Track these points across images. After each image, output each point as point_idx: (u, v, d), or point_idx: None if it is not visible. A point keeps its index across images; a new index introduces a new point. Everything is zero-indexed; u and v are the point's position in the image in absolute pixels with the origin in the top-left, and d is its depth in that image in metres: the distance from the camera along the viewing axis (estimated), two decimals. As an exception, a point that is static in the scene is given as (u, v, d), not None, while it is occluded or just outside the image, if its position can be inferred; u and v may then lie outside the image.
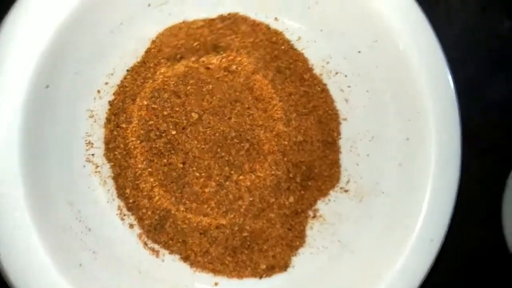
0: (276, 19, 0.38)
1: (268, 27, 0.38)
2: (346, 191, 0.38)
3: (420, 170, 0.35)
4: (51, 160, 0.32)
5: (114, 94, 0.36)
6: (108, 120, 0.36)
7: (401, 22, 0.34)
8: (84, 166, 0.35)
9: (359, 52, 0.37)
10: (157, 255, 0.36)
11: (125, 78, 0.36)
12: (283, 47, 0.38)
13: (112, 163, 0.36)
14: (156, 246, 0.36)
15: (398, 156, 0.36)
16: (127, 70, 0.36)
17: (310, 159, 0.37)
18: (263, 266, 0.36)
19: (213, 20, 0.38)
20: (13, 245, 0.29)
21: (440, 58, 0.35)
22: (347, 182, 0.38)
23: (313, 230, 0.37)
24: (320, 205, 0.38)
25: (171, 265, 0.35)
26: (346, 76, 0.38)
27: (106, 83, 0.36)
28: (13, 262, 0.29)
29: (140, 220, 0.36)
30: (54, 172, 0.32)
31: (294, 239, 0.37)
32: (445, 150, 0.35)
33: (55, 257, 0.29)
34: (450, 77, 0.35)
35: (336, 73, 0.38)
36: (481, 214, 0.42)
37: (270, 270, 0.36)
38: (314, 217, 0.38)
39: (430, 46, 0.34)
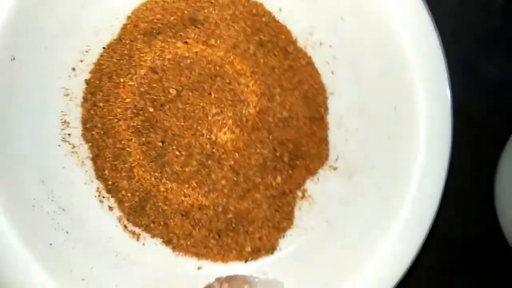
0: (256, -11, 0.39)
1: (248, -1, 0.39)
2: (335, 168, 0.38)
3: (409, 142, 0.35)
4: (21, 137, 0.33)
5: (90, 72, 0.37)
6: (85, 99, 0.37)
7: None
8: (59, 145, 0.36)
9: (342, 19, 0.37)
10: (138, 239, 0.36)
11: (101, 55, 0.37)
12: (264, 19, 0.39)
13: (90, 144, 0.36)
14: (136, 229, 0.36)
15: (387, 128, 0.36)
16: (103, 48, 0.37)
17: (297, 137, 0.38)
18: (249, 249, 0.37)
19: (190, -7, 0.38)
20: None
21: (427, 22, 0.35)
22: (336, 159, 0.38)
23: (301, 210, 0.38)
24: (309, 184, 0.38)
25: (152, 248, 0.36)
26: (330, 46, 0.38)
27: (81, 61, 0.37)
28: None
29: (120, 202, 0.36)
30: (25, 149, 0.33)
31: (282, 221, 0.37)
32: (434, 120, 0.34)
33: (22, 233, 0.30)
34: (439, 43, 0.35)
35: (321, 44, 0.38)
36: (473, 198, 0.41)
37: (256, 253, 0.37)
38: (302, 197, 0.38)
39: (417, 9, 0.35)
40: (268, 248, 0.37)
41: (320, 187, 0.38)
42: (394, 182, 0.35)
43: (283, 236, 0.37)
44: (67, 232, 0.33)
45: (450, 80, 0.35)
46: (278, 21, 0.39)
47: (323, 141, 0.39)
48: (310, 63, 0.39)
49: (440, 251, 0.41)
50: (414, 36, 0.35)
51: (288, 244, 0.37)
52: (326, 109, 0.39)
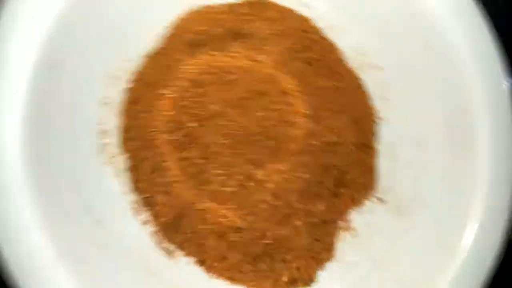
0: (306, 4, 0.39)
1: (297, 14, 0.39)
2: (383, 201, 0.37)
3: (469, 181, 0.34)
4: (59, 146, 0.33)
5: (131, 81, 0.37)
6: (124, 109, 0.37)
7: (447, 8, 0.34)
8: (97, 155, 0.36)
9: (398, 40, 0.37)
10: (171, 256, 0.36)
11: (143, 65, 0.38)
12: (313, 36, 0.38)
13: (127, 154, 0.36)
14: (170, 246, 0.36)
15: (443, 163, 0.36)
16: (146, 57, 0.38)
17: (342, 163, 0.37)
18: (285, 279, 0.36)
19: (238, 5, 0.38)
20: (14, 236, 0.31)
21: (493, 54, 0.35)
22: (385, 191, 0.37)
23: (344, 243, 0.37)
24: (353, 215, 0.37)
25: (185, 267, 0.35)
26: (383, 69, 0.38)
27: (123, 69, 0.37)
28: (15, 254, 0.31)
29: (155, 216, 0.36)
30: (62, 159, 0.33)
31: (321, 251, 0.36)
32: (497, 159, 0.34)
33: (57, 248, 0.30)
34: (504, 75, 0.34)
35: (373, 65, 0.38)
36: None
37: (292, 284, 0.36)
38: (346, 228, 0.37)
39: (481, 39, 0.34)
40: (305, 279, 0.36)
41: (366, 220, 0.37)
42: (450, 223, 0.35)
43: (322, 268, 0.36)
44: (101, 246, 0.33)
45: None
46: (327, 39, 0.39)
47: (371, 170, 0.38)
48: (360, 85, 0.39)
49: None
50: (478, 64, 0.34)
51: (327, 278, 0.36)
52: (376, 136, 0.38)
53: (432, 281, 0.34)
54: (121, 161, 0.37)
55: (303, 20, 0.39)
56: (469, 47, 0.34)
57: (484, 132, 0.35)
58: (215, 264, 0.36)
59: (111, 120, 0.37)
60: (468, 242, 0.34)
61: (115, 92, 0.37)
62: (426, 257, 0.35)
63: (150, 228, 0.36)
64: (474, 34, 0.34)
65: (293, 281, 0.36)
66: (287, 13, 0.39)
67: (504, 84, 0.34)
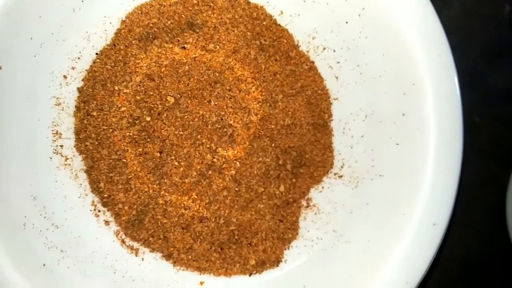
0: (256, -8, 0.36)
1: (247, 1, 0.36)
2: (341, 176, 0.35)
3: (419, 148, 0.32)
4: (10, 150, 0.30)
5: (82, 80, 0.34)
6: (78, 108, 0.34)
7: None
8: (51, 158, 0.32)
9: (346, 22, 0.35)
10: (136, 253, 0.33)
11: (94, 62, 0.34)
12: (265, 23, 0.36)
13: (83, 155, 0.33)
14: (135, 244, 0.33)
15: (395, 134, 0.33)
16: (96, 54, 0.34)
17: (300, 144, 0.35)
18: (253, 262, 0.34)
19: (187, -5, 0.35)
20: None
21: (435, 23, 0.32)
22: (341, 166, 0.35)
23: (306, 220, 0.35)
24: (313, 193, 0.35)
25: (152, 263, 0.33)
26: (334, 51, 0.36)
27: (73, 68, 0.34)
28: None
29: (116, 216, 0.33)
30: (15, 164, 0.30)
31: (286, 231, 0.35)
32: (445, 125, 0.32)
33: (13, 254, 0.27)
34: (447, 43, 0.32)
35: (324, 48, 0.36)
36: (484, 214, 0.39)
37: (261, 266, 0.34)
38: (307, 206, 0.35)
39: (424, 10, 0.32)
40: (273, 260, 0.34)
41: (326, 196, 0.35)
42: (403, 190, 0.33)
43: (289, 248, 0.34)
44: (61, 251, 0.30)
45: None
46: (279, 25, 0.36)
47: (328, 148, 0.36)
48: (313, 68, 0.36)
49: (449, 266, 0.38)
50: (422, 39, 0.32)
51: (294, 256, 0.34)
52: (330, 115, 0.36)
53: (389, 247, 0.32)
54: (77, 162, 0.33)
55: (254, 7, 0.36)
56: (417, 26, 0.32)
57: (432, 103, 0.32)
58: (182, 256, 0.33)
59: (65, 121, 0.33)
60: (420, 207, 0.32)
61: (67, 92, 0.33)
62: (384, 225, 0.33)
63: (113, 228, 0.32)
64: (421, 15, 0.32)
65: (261, 263, 0.34)
66: (237, 2, 0.36)
67: (446, 45, 0.32)
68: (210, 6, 0.35)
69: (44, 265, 0.29)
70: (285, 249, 0.34)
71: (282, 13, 0.36)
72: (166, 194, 0.33)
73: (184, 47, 0.34)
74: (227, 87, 0.34)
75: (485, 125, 0.39)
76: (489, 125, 0.39)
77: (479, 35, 0.40)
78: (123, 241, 0.33)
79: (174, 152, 0.33)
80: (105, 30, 0.34)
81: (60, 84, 0.33)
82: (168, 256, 0.33)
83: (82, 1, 0.32)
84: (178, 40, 0.34)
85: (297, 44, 0.36)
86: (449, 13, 0.40)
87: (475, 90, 0.39)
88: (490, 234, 0.38)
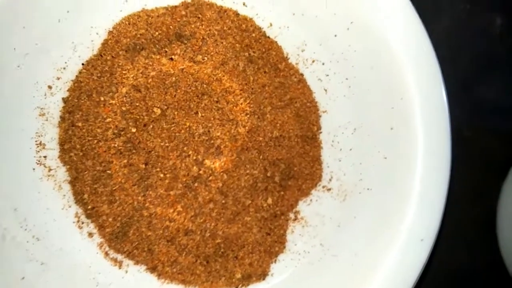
0: (244, 4, 0.35)
1: (236, 13, 0.35)
2: (329, 189, 0.35)
3: (407, 163, 0.31)
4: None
5: (68, 90, 0.33)
6: (62, 119, 0.33)
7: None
8: (34, 169, 0.32)
9: (335, 36, 0.34)
10: (120, 266, 0.32)
11: (80, 72, 0.33)
12: (254, 35, 0.35)
13: (68, 166, 0.33)
14: (119, 256, 0.32)
15: (383, 148, 0.33)
16: (82, 64, 0.33)
17: (288, 156, 0.34)
18: (239, 276, 0.33)
19: (175, 7, 0.34)
20: None
21: (423, 38, 0.31)
22: (330, 179, 0.35)
23: (294, 234, 0.34)
24: (301, 206, 0.34)
25: (136, 276, 0.32)
26: (323, 63, 0.35)
27: (58, 78, 0.33)
28: None
29: (100, 228, 0.32)
30: None
31: (274, 244, 0.34)
32: (433, 139, 0.31)
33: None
34: (435, 57, 0.31)
35: (313, 61, 0.35)
36: (473, 227, 0.38)
37: (247, 280, 0.33)
38: (295, 219, 0.34)
39: (412, 24, 0.31)
40: (259, 274, 0.33)
41: (314, 209, 0.34)
42: (391, 205, 0.32)
43: (275, 261, 0.34)
44: (42, 263, 0.29)
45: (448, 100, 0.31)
46: (268, 37, 0.36)
47: (316, 161, 0.35)
48: (302, 80, 0.35)
49: (438, 279, 0.37)
50: (411, 53, 0.31)
51: (280, 269, 0.33)
52: (319, 127, 0.35)
53: (377, 261, 0.31)
54: (61, 173, 0.32)
55: (243, 19, 0.36)
56: (404, 41, 0.31)
57: (420, 118, 0.31)
58: (167, 269, 0.32)
59: (49, 132, 0.32)
60: (408, 222, 0.31)
61: (52, 102, 0.32)
62: (371, 239, 0.32)
63: (96, 240, 0.31)
64: (408, 30, 0.31)
65: (247, 276, 0.33)
66: (225, 13, 0.35)
67: (435, 61, 0.31)
68: (199, 17, 0.35)
69: (23, 278, 0.28)
70: (272, 263, 0.33)
71: (271, 25, 0.36)
72: (151, 206, 0.32)
73: (171, 58, 0.34)
74: (215, 99, 0.34)
75: (475, 138, 0.39)
76: (478, 138, 0.39)
77: (469, 48, 0.40)
78: (106, 254, 0.32)
79: (159, 164, 0.32)
80: (92, 41, 0.34)
81: (45, 95, 0.33)
82: (152, 269, 0.33)
83: (68, 12, 0.32)
84: (166, 51, 0.34)
85: (286, 57, 0.36)
86: (439, 25, 0.40)
87: (465, 102, 0.39)
88: (480, 246, 0.38)
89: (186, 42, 0.34)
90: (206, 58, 0.34)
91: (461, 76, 0.39)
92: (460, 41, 0.40)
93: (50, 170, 0.32)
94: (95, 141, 0.32)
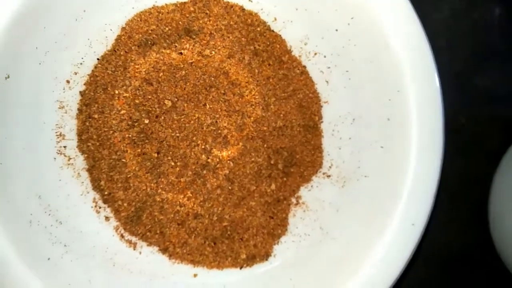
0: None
1: (242, 9, 0.36)
2: (329, 176, 0.36)
3: (401, 152, 0.32)
4: (17, 152, 0.31)
5: (84, 84, 0.35)
6: (80, 111, 0.35)
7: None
8: (55, 158, 0.34)
9: (336, 30, 0.35)
10: (134, 247, 0.34)
11: (95, 67, 0.35)
12: (259, 29, 0.37)
13: (85, 155, 0.35)
14: (133, 238, 0.34)
15: (380, 138, 0.34)
16: (97, 59, 0.35)
17: (291, 145, 0.36)
18: (244, 256, 0.35)
19: (184, 3, 0.36)
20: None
21: (419, 32, 0.32)
22: (330, 167, 0.36)
23: (295, 217, 0.36)
24: (303, 191, 0.36)
25: (149, 257, 0.34)
26: (325, 56, 0.36)
27: (76, 73, 0.35)
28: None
29: (116, 212, 0.35)
30: (21, 165, 0.31)
31: (276, 227, 0.36)
32: (426, 131, 0.32)
33: (20, 250, 0.28)
34: (430, 53, 0.32)
35: (315, 53, 0.37)
36: (465, 211, 0.39)
37: (251, 260, 0.35)
38: (296, 204, 0.36)
39: (409, 20, 0.32)
40: (262, 254, 0.35)
41: (314, 194, 0.36)
42: (386, 191, 0.33)
43: (278, 243, 0.35)
44: (65, 245, 0.32)
45: (442, 92, 0.32)
46: (273, 31, 0.37)
47: (317, 149, 0.36)
48: (304, 72, 0.37)
49: (430, 260, 0.39)
50: (406, 47, 0.32)
51: (283, 251, 0.35)
52: (320, 117, 0.37)
53: (372, 244, 0.33)
54: (79, 162, 0.34)
55: (249, 14, 0.37)
56: (402, 37, 0.33)
57: (415, 110, 0.33)
58: (177, 250, 0.34)
59: (68, 123, 0.34)
60: (401, 208, 0.32)
61: (70, 95, 0.34)
62: (367, 223, 0.34)
63: (112, 223, 0.34)
64: (406, 26, 0.33)
65: (251, 257, 0.35)
66: (232, 9, 0.37)
67: (429, 55, 0.33)
68: (206, 13, 0.36)
69: (49, 259, 0.30)
70: (275, 244, 0.35)
71: (275, 19, 0.37)
72: (163, 192, 0.34)
73: (181, 53, 0.35)
74: (222, 91, 0.35)
75: (470, 126, 0.40)
76: (474, 126, 0.40)
77: (468, 38, 0.41)
78: (122, 236, 0.34)
79: (170, 153, 0.34)
80: (106, 37, 0.35)
81: (64, 89, 0.34)
82: (164, 250, 0.35)
83: (84, 11, 0.33)
84: (176, 46, 0.35)
85: (290, 49, 0.37)
86: (438, 15, 0.41)
87: (462, 92, 0.40)
88: (472, 231, 0.39)
89: (194, 37, 0.36)
90: (213, 52, 0.36)
91: (459, 66, 0.40)
92: (458, 31, 0.41)
93: (69, 159, 0.34)
94: (111, 131, 0.34)
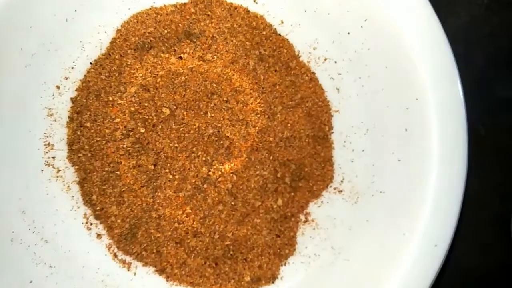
0: (255, 1, 0.35)
1: (247, 11, 0.35)
2: (340, 191, 0.34)
3: (421, 166, 0.30)
4: (-1, 164, 0.29)
5: (76, 90, 0.33)
6: (71, 119, 0.33)
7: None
8: (43, 170, 0.32)
9: (348, 33, 0.33)
10: (129, 268, 0.32)
11: (88, 72, 0.33)
12: (264, 33, 0.35)
13: (76, 167, 0.33)
14: (127, 258, 0.32)
15: (397, 150, 0.32)
16: (90, 63, 0.33)
17: (299, 157, 0.34)
18: (248, 278, 0.33)
19: (184, 4, 0.34)
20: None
21: (441, 36, 0.31)
22: (341, 181, 0.34)
23: (304, 236, 0.33)
24: (312, 207, 0.34)
25: (144, 278, 0.32)
26: (336, 62, 0.34)
27: (66, 78, 0.33)
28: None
29: (109, 229, 0.32)
30: (3, 177, 0.29)
31: (283, 247, 0.33)
32: (449, 142, 0.30)
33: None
34: (452, 58, 0.30)
35: (325, 59, 0.35)
36: (489, 226, 0.37)
37: (256, 283, 0.33)
38: (305, 221, 0.34)
39: (429, 22, 0.30)
40: (268, 277, 0.33)
41: (325, 211, 0.34)
42: (404, 209, 0.31)
43: (285, 264, 0.33)
44: (50, 266, 0.30)
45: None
46: (279, 35, 0.35)
47: (328, 162, 0.34)
48: (313, 79, 0.35)
49: (454, 282, 0.36)
50: (426, 52, 0.31)
51: (290, 273, 0.33)
52: (331, 127, 0.35)
53: (390, 267, 0.30)
54: (69, 174, 0.32)
55: (254, 16, 0.35)
56: (421, 39, 0.31)
57: (436, 120, 0.31)
58: (176, 271, 0.32)
59: (57, 132, 0.32)
60: (422, 227, 0.30)
61: (60, 102, 0.32)
62: (383, 244, 0.32)
63: (105, 241, 0.32)
64: (425, 27, 0.31)
65: (256, 279, 0.33)
66: (236, 11, 0.35)
67: (451, 59, 0.31)
68: (208, 15, 0.34)
69: (31, 282, 0.28)
70: (282, 266, 0.33)
71: (282, 22, 0.35)
72: (160, 207, 0.32)
73: (180, 57, 0.33)
74: (225, 99, 0.33)
75: (491, 136, 0.38)
76: (494, 136, 0.38)
77: (486, 45, 0.39)
78: (115, 255, 0.32)
79: (168, 164, 0.32)
80: (100, 39, 0.33)
81: (53, 95, 0.33)
82: (161, 271, 0.33)
83: (76, 11, 0.31)
84: (175, 50, 0.33)
85: (298, 55, 0.35)
86: (456, 21, 0.39)
87: (481, 100, 0.38)
88: (494, 246, 0.37)
89: (195, 40, 0.34)
90: (215, 56, 0.34)
91: (477, 74, 0.39)
92: (477, 38, 0.39)
93: (58, 171, 0.32)
94: (104, 141, 0.32)
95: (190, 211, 0.32)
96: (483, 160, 0.37)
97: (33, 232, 0.30)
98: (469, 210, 0.35)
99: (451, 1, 0.40)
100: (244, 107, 0.33)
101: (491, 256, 0.37)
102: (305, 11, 0.34)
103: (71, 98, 0.33)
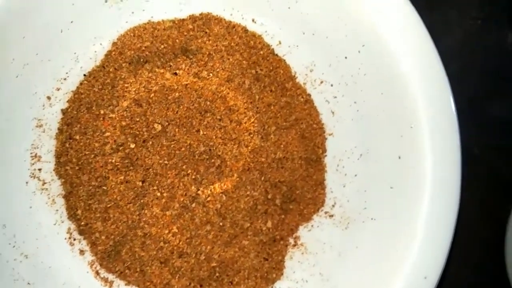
0: (253, 20, 0.35)
1: (245, 29, 0.35)
2: (331, 216, 0.34)
3: (413, 194, 0.30)
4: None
5: (67, 101, 0.33)
6: (60, 131, 0.32)
7: (392, 23, 0.30)
8: (27, 182, 0.31)
9: (345, 58, 0.33)
10: (111, 286, 0.32)
11: (80, 83, 0.33)
12: (262, 52, 0.35)
13: (62, 180, 0.32)
14: (110, 276, 0.32)
15: (389, 177, 0.32)
16: (84, 75, 0.33)
17: (291, 179, 0.33)
18: None
19: (182, 20, 0.34)
20: None
21: (436, 65, 0.31)
22: (333, 205, 0.34)
23: (292, 260, 0.33)
24: (302, 231, 0.33)
25: (126, 298, 0.31)
26: (332, 85, 0.34)
27: (58, 89, 0.33)
28: None
29: (92, 245, 0.32)
30: None
31: (271, 271, 0.33)
32: (442, 171, 0.30)
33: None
34: (447, 85, 0.30)
35: (321, 82, 0.35)
36: (481, 248, 0.37)
37: (241, 306, 0.32)
38: (294, 245, 0.33)
39: (426, 51, 0.30)
40: (254, 301, 0.32)
41: (314, 235, 0.33)
42: (395, 237, 0.31)
43: (272, 288, 0.32)
44: (28, 283, 0.29)
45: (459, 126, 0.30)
46: (277, 55, 0.35)
47: (320, 185, 0.34)
48: (309, 101, 0.35)
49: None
50: (421, 79, 0.30)
51: (276, 298, 0.32)
52: (324, 150, 0.35)
53: None
54: (55, 187, 0.31)
55: (252, 36, 0.35)
56: (418, 68, 0.31)
57: (430, 147, 0.30)
58: None
59: (45, 144, 0.31)
60: (413, 257, 0.30)
61: (50, 113, 0.32)
62: (374, 271, 0.31)
63: (87, 258, 0.31)
64: (422, 55, 0.31)
65: None
66: (234, 29, 0.35)
67: (447, 87, 0.31)
68: (206, 32, 0.34)
69: (12, 299, 0.27)
70: (268, 290, 0.32)
71: (280, 43, 0.35)
72: (146, 226, 0.32)
73: (176, 73, 0.33)
74: (218, 117, 0.33)
75: (484, 157, 0.38)
76: (488, 157, 0.38)
77: (480, 64, 0.40)
78: (97, 273, 0.32)
79: (157, 182, 0.32)
80: (95, 51, 0.33)
81: (43, 105, 0.32)
82: (144, 291, 0.32)
83: (71, 22, 0.31)
84: (170, 66, 0.33)
85: (294, 76, 0.35)
86: (450, 40, 0.39)
87: (475, 120, 0.38)
88: (487, 270, 0.37)
89: (191, 57, 0.34)
90: (211, 74, 0.34)
91: (470, 94, 0.39)
92: (470, 58, 0.40)
93: (44, 183, 0.32)
94: (92, 155, 0.32)
95: (177, 230, 0.32)
96: (476, 180, 0.37)
97: (13, 246, 0.29)
98: (462, 232, 0.35)
99: (445, 22, 0.40)
100: (238, 126, 0.33)
101: (483, 279, 0.37)
102: (304, 33, 0.34)
103: (62, 110, 0.33)
